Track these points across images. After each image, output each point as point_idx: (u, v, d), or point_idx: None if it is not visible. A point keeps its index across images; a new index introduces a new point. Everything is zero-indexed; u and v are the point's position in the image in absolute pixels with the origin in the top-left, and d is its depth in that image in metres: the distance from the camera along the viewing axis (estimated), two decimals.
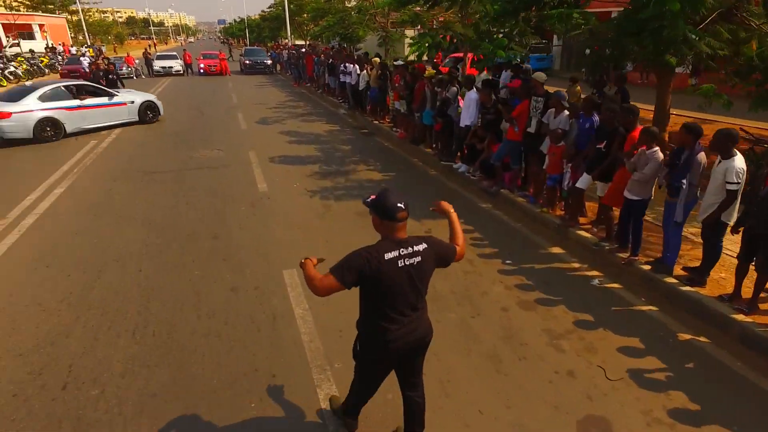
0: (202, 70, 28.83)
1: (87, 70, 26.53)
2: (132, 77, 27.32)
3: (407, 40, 25.47)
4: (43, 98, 10.98)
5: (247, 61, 29.83)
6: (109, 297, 4.56)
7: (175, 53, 30.57)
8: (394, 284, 2.38)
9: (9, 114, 10.42)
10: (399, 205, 2.36)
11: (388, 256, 2.34)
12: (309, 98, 19.29)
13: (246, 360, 3.76)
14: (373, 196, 2.47)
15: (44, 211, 6.73)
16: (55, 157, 9.70)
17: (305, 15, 38.64)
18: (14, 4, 56.49)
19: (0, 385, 3.38)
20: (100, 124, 12.20)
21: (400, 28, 23.46)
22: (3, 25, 47.06)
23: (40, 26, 49.95)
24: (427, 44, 9.95)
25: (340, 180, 8.47)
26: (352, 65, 14.33)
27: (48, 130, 10.94)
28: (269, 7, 47.14)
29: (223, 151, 10.36)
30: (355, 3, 23.45)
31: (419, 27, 23.56)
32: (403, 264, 2.38)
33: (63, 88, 11.60)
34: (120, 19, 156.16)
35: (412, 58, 12.23)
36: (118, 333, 4.03)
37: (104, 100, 12.27)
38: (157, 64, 28.36)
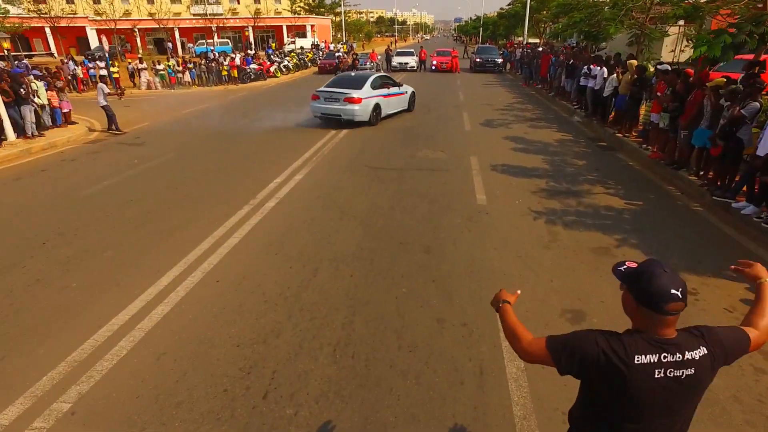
0: (434, 67, 29.83)
1: (339, 63, 30.22)
2: (373, 71, 30.00)
3: (667, 39, 21.56)
4: (373, 86, 12.93)
5: (478, 59, 29.60)
6: (320, 301, 4.53)
7: (412, 50, 32.30)
8: (641, 398, 1.56)
9: (360, 99, 12.34)
10: (673, 291, 1.53)
11: (641, 359, 1.55)
12: (538, 101, 17.87)
13: (442, 420, 3.17)
14: (630, 264, 1.73)
15: (284, 196, 7.41)
16: (301, 144, 10.87)
17: (545, 12, 36.47)
18: (297, 8, 68.39)
19: (215, 378, 3.52)
20: (393, 111, 13.92)
21: (661, 25, 19.89)
22: (287, 26, 57.57)
23: (312, 26, 59.18)
24: (721, 44, 7.66)
25: (571, 202, 7.23)
26: (599, 68, 12.48)
27: (375, 115, 12.83)
28: (508, 5, 46.18)
29: (445, 152, 10.09)
30: None
31: (684, 23, 19.54)
32: (662, 375, 1.55)
33: (380, 78, 13.55)
34: (372, 19, 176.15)
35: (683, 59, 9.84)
36: (321, 345, 3.90)
37: (397, 89, 14.08)
38: (395, 60, 30.42)
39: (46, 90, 12.97)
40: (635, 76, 10.77)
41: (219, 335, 4.02)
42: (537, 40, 34.41)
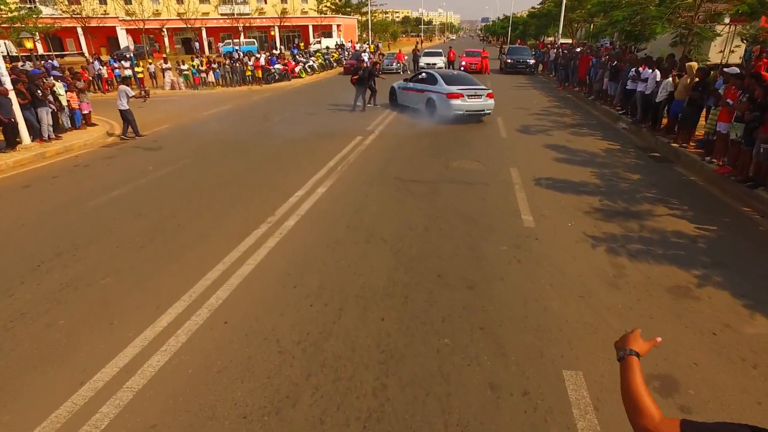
0: (463, 68, 28.80)
1: (367, 63, 29.46)
2: (399, 72, 29.20)
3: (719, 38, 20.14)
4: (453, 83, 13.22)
5: (509, 60, 28.47)
6: (346, 353, 3.74)
7: (440, 50, 31.36)
8: None
9: (461, 95, 12.64)
10: None
11: None
12: (577, 105, 16.75)
13: None
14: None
15: (305, 213, 6.66)
16: (325, 150, 10.14)
17: (580, 11, 35.00)
18: (323, 8, 68.18)
19: None
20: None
21: (711, 23, 18.50)
22: (313, 26, 57.26)
23: (338, 26, 58.73)
24: None
25: (632, 226, 6.27)
26: (650, 70, 11.37)
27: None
28: (540, 4, 44.73)
29: (481, 163, 9.21)
30: None
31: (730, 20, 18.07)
32: None
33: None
34: (397, 19, 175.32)
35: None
36: (347, 419, 3.11)
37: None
38: (423, 61, 29.49)
39: (66, 91, 12.59)
40: (696, 79, 9.70)
41: (222, 401, 3.27)
42: (570, 41, 33.01)
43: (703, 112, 9.61)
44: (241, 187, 7.94)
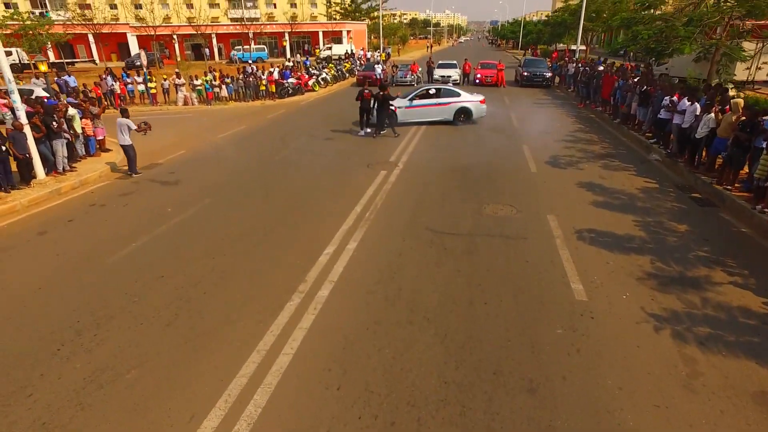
0: (477, 80, 28.32)
1: (380, 77, 29.10)
2: (414, 84, 28.73)
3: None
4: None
5: (526, 73, 27.91)
6: None
7: (455, 62, 30.84)
8: None
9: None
10: None
11: None
12: (602, 128, 16.22)
13: None
14: None
15: (339, 279, 6.23)
16: (350, 189, 9.73)
17: (597, 21, 34.43)
18: (333, 12, 67.98)
19: None
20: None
21: (738, 40, 17.92)
22: (323, 32, 56.99)
23: (348, 32, 58.39)
24: None
25: (693, 299, 5.79)
26: (689, 102, 10.85)
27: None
28: (554, 12, 44.11)
29: (515, 208, 8.74)
30: (681, 8, 18.80)
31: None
32: None
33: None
34: (405, 21, 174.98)
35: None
36: None
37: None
38: (437, 73, 29.02)
39: (81, 118, 12.27)
40: (742, 117, 9.19)
41: None
42: (583, 47, 32.32)
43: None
44: (267, 239, 7.53)
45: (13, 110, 9.98)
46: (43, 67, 14.86)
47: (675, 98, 11.96)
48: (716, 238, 7.53)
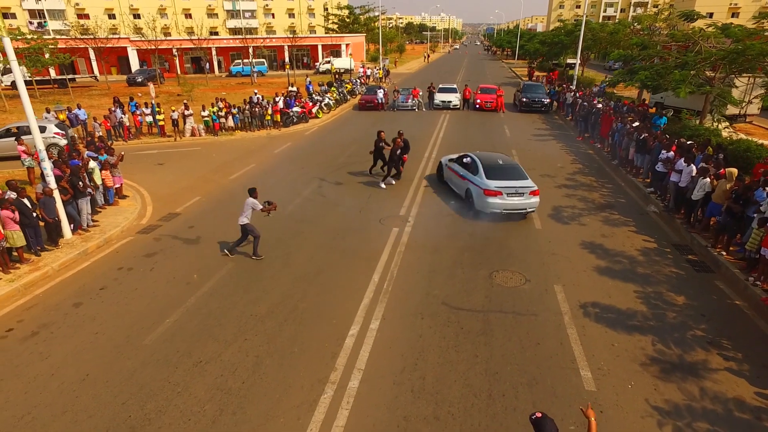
0: (477, 105, 28.95)
1: (381, 101, 29.64)
2: (414, 109, 29.31)
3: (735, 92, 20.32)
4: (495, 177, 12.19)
5: (524, 99, 28.57)
6: None
7: (455, 86, 31.48)
8: None
9: (500, 192, 11.67)
10: None
11: None
12: (601, 170, 16.81)
13: None
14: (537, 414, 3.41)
15: (366, 367, 6.73)
16: (366, 251, 10.24)
17: (595, 47, 35.15)
18: (331, 25, 68.52)
19: None
20: None
21: (729, 76, 18.63)
22: (322, 45, 57.50)
23: (347, 45, 58.92)
24: None
25: (692, 390, 6.34)
26: (686, 164, 11.45)
27: None
28: (552, 30, 44.94)
29: (523, 276, 9.28)
30: (676, 51, 19.50)
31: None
32: None
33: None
34: (401, 25, 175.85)
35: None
36: None
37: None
38: (438, 98, 29.65)
39: (101, 170, 12.70)
40: (734, 187, 9.80)
41: None
42: (576, 61, 32.96)
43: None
44: (292, 317, 7.98)
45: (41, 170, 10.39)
46: (62, 117, 15.26)
47: (671, 154, 12.59)
48: (713, 314, 8.09)
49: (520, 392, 6.27)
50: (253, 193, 9.93)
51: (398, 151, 14.52)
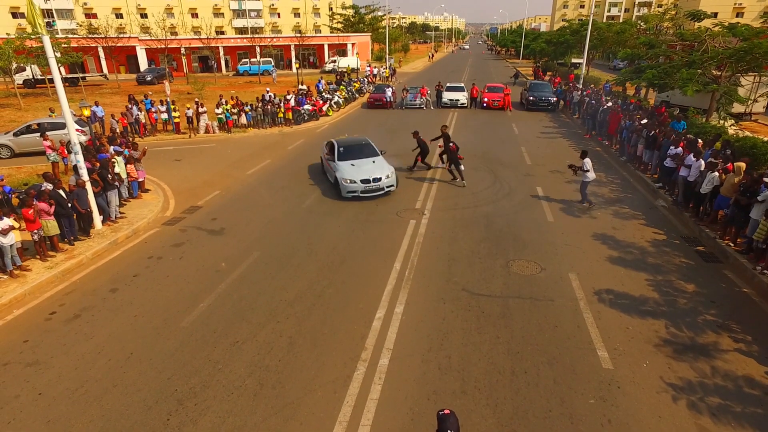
0: (485, 104, 29.30)
1: (389, 100, 30.00)
2: (423, 107, 29.70)
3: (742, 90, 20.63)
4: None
5: (531, 97, 28.90)
6: None
7: (462, 85, 31.84)
8: None
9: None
10: None
11: None
12: (610, 166, 17.13)
13: None
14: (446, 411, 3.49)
15: (394, 347, 7.12)
16: (386, 242, 10.63)
17: (600, 47, 35.45)
18: (336, 25, 68.90)
19: None
20: None
21: (737, 75, 18.95)
22: (329, 45, 57.91)
23: (353, 45, 59.32)
24: None
25: (704, 369, 6.70)
26: (695, 158, 11.80)
27: None
28: (558, 30, 45.28)
29: (539, 265, 9.65)
30: (682, 47, 19.83)
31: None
32: None
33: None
34: (404, 24, 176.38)
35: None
36: None
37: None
38: (446, 97, 30.01)
39: (126, 164, 13.12)
40: (743, 180, 10.13)
41: None
42: (581, 60, 33.28)
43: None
44: (320, 302, 8.37)
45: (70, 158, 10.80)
46: (87, 112, 15.72)
47: (680, 149, 12.93)
48: (721, 300, 8.45)
49: (541, 370, 6.65)
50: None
51: (458, 151, 14.71)
